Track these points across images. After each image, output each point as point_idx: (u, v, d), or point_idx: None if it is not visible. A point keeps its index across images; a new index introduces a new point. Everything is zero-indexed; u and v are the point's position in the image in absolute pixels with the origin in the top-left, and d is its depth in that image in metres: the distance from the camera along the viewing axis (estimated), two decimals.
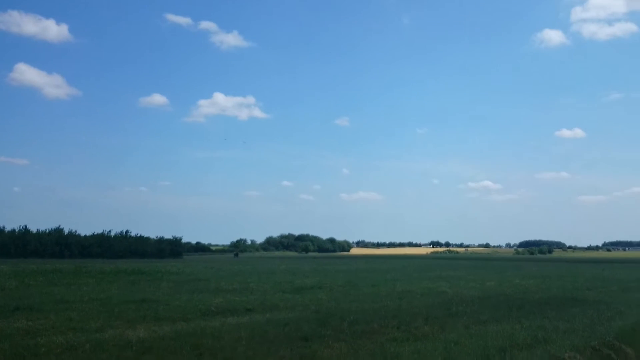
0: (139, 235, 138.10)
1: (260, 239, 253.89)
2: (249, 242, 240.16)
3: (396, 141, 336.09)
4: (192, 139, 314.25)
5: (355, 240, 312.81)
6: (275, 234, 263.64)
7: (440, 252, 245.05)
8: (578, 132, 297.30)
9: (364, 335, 12.64)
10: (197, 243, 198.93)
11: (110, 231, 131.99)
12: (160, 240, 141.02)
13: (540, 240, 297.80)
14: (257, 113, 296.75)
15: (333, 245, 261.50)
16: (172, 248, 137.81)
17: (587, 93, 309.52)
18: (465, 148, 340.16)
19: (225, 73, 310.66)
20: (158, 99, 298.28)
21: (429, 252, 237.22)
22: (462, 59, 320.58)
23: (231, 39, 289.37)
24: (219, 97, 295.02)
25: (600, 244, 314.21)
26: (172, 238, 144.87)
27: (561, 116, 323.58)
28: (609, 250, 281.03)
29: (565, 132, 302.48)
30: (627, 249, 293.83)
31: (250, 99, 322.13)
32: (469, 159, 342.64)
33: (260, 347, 11.04)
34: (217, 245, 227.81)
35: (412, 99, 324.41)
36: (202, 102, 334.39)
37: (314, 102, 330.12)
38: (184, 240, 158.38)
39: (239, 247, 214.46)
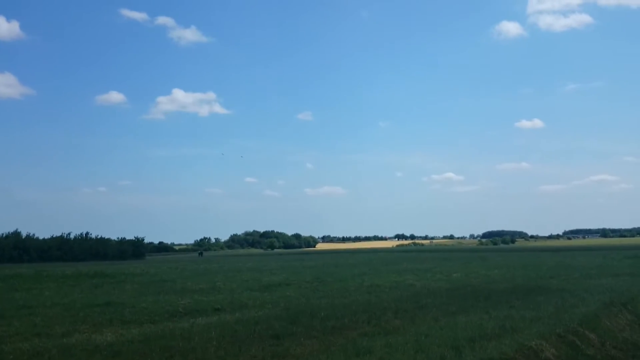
0: (99, 237, 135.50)
1: (224, 237, 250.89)
2: (213, 240, 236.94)
3: (359, 135, 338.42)
4: (152, 136, 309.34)
5: (321, 235, 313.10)
6: (240, 231, 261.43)
7: (406, 245, 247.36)
8: (537, 123, 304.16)
9: (335, 331, 12.64)
10: (160, 243, 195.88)
11: (69, 233, 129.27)
12: (122, 242, 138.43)
13: (503, 231, 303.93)
14: (218, 109, 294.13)
15: (299, 241, 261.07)
16: (134, 249, 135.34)
17: (545, 84, 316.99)
18: (427, 140, 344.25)
19: (184, 69, 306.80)
20: (115, 96, 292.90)
21: (394, 245, 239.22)
22: (422, 52, 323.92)
23: (189, 35, 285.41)
24: (178, 93, 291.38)
25: (561, 233, 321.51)
26: (133, 239, 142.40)
27: (520, 107, 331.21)
28: (569, 238, 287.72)
29: (525, 123, 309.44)
30: (586, 236, 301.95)
31: (211, 95, 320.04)
32: (432, 151, 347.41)
33: (232, 347, 10.93)
34: (180, 245, 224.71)
35: (374, 93, 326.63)
36: (161, 99, 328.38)
37: (276, 97, 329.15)
38: (146, 240, 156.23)
39: (203, 245, 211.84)
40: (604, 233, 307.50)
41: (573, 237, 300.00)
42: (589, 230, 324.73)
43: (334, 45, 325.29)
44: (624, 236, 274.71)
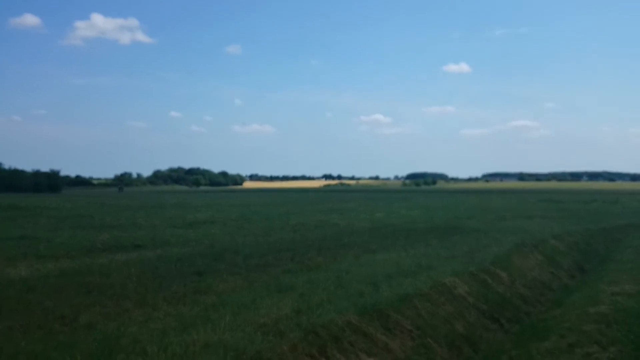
0: (12, 168, 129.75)
1: (147, 172, 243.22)
2: (135, 175, 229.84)
3: (290, 72, 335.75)
4: (69, 64, 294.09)
5: (249, 173, 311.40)
6: (164, 167, 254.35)
7: (333, 185, 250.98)
8: (464, 67, 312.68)
9: (258, 268, 12.74)
10: (77, 177, 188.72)
11: None
12: (37, 174, 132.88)
13: (425, 172, 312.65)
14: (141, 37, 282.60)
15: (225, 179, 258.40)
16: (50, 182, 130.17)
17: (473, 28, 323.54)
18: (357, 81, 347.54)
19: None
20: (30, 19, 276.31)
21: (321, 185, 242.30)
22: None
23: None
24: (97, 18, 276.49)
25: (480, 175, 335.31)
26: (49, 171, 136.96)
27: (448, 51, 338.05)
28: (487, 181, 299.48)
29: (452, 67, 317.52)
30: (504, 179, 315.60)
31: (133, 22, 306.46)
32: (362, 92, 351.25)
33: (152, 284, 10.79)
34: (99, 179, 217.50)
35: (306, 30, 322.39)
36: (78, 23, 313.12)
37: (204, 28, 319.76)
38: (63, 173, 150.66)
39: (124, 181, 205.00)
40: (521, 177, 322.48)
41: (491, 180, 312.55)
42: (507, 173, 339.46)
43: None
44: (540, 180, 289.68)
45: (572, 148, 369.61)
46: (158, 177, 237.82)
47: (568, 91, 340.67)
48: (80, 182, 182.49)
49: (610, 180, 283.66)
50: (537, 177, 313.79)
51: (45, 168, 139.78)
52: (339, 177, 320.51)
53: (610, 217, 32.79)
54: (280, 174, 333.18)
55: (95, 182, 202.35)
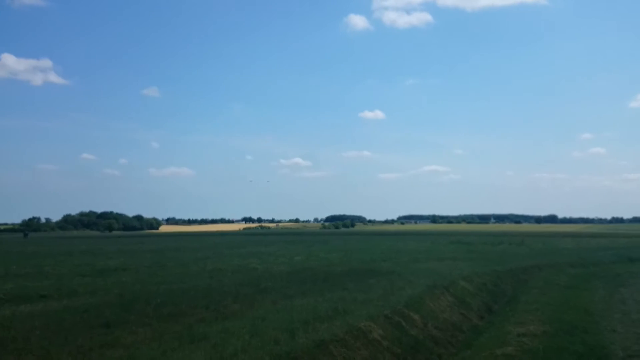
0: None
1: (56, 217, 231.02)
2: (43, 220, 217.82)
3: (210, 115, 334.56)
4: None
5: (165, 217, 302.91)
6: (75, 211, 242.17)
7: (253, 228, 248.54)
8: (379, 114, 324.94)
9: (171, 318, 12.38)
10: None
11: None
12: None
13: (344, 215, 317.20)
14: (54, 78, 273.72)
15: (141, 223, 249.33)
16: None
17: (387, 77, 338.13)
18: (278, 125, 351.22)
19: (17, 32, 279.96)
20: None
21: (241, 228, 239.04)
22: (277, 39, 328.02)
23: None
24: (8, 58, 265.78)
25: (395, 218, 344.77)
26: None
27: (364, 98, 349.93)
28: (402, 223, 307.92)
29: (368, 114, 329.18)
30: (418, 222, 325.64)
31: (47, 62, 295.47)
32: (281, 136, 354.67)
33: (57, 337, 10.26)
34: (5, 225, 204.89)
35: (227, 75, 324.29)
36: None
37: (120, 70, 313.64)
38: None
39: (31, 226, 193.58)
40: (433, 219, 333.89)
41: (406, 222, 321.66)
42: (421, 216, 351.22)
43: (185, 19, 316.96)
44: (451, 222, 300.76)
45: (480, 192, 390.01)
46: (68, 222, 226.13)
47: (474, 138, 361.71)
48: None
49: (516, 222, 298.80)
50: (448, 219, 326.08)
51: None
52: (259, 220, 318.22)
53: (516, 258, 34.23)
54: (199, 217, 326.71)
55: (1, 227, 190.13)
